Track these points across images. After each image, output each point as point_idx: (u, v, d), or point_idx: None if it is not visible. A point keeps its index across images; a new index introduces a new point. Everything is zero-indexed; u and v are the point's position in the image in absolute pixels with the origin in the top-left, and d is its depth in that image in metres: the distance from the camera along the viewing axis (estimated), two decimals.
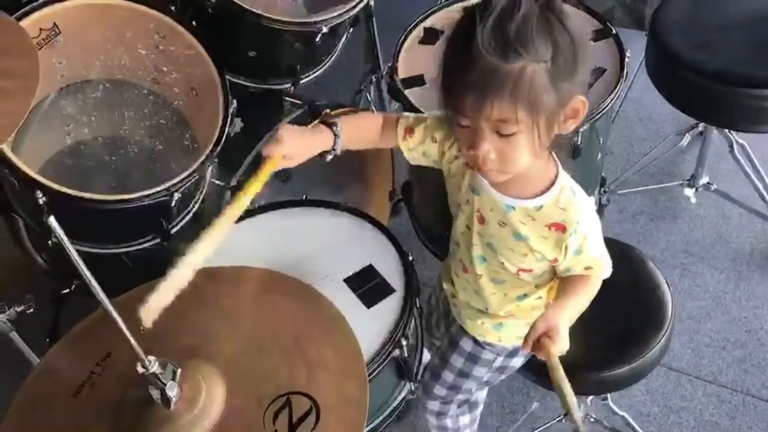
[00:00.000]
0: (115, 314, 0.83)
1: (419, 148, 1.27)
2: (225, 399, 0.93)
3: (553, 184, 1.14)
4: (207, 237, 1.02)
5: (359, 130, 1.28)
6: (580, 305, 1.17)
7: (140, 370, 0.88)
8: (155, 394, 0.90)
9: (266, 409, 0.92)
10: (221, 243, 1.02)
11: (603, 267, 1.20)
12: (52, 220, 0.79)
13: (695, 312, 2.05)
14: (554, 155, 1.15)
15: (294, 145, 1.14)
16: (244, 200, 1.08)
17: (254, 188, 1.10)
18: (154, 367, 0.88)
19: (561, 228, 1.14)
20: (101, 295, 0.80)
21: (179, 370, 0.89)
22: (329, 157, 1.21)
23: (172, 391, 0.89)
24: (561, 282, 1.24)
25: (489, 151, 1.05)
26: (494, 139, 1.04)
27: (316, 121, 1.23)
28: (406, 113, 1.29)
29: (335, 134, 1.19)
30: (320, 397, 0.92)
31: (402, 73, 1.69)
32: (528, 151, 1.05)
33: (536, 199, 1.14)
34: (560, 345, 1.06)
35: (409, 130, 1.26)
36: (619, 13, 2.87)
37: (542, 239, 1.16)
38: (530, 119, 1.01)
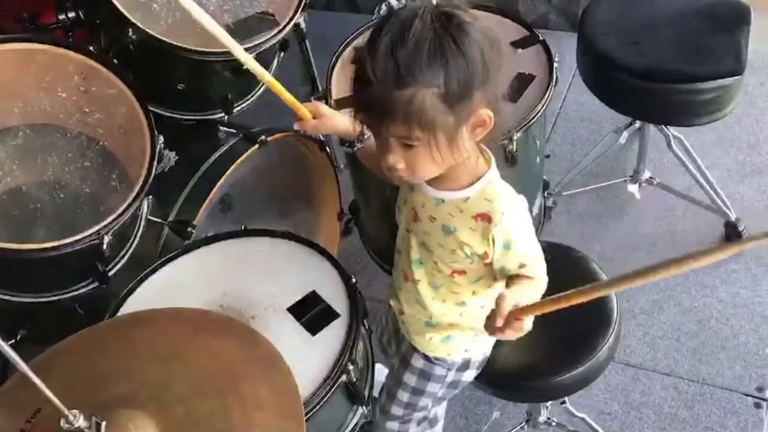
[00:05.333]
0: (31, 373, 0.81)
1: None
2: None
3: (481, 177, 1.16)
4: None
5: None
6: (530, 296, 1.15)
7: (64, 425, 0.85)
8: None
9: None
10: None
11: (538, 265, 1.20)
12: None
13: (648, 306, 2.08)
14: (491, 154, 1.17)
15: (327, 110, 1.29)
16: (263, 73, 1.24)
17: (276, 87, 1.26)
18: (79, 422, 0.86)
19: (486, 218, 1.15)
20: (11, 354, 0.78)
21: (104, 423, 0.87)
22: (355, 148, 1.34)
23: None
24: (506, 284, 1.23)
25: (396, 161, 1.09)
26: (399, 150, 1.07)
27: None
28: None
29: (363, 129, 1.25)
30: None
31: (336, 93, 1.70)
32: (431, 161, 1.08)
33: (463, 191, 1.16)
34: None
35: None
36: (554, 17, 2.91)
37: (470, 231, 1.17)
38: (427, 136, 1.03)
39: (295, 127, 1.30)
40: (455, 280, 1.25)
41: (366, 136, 1.29)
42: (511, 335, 1.08)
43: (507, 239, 1.16)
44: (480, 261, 1.20)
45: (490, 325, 1.08)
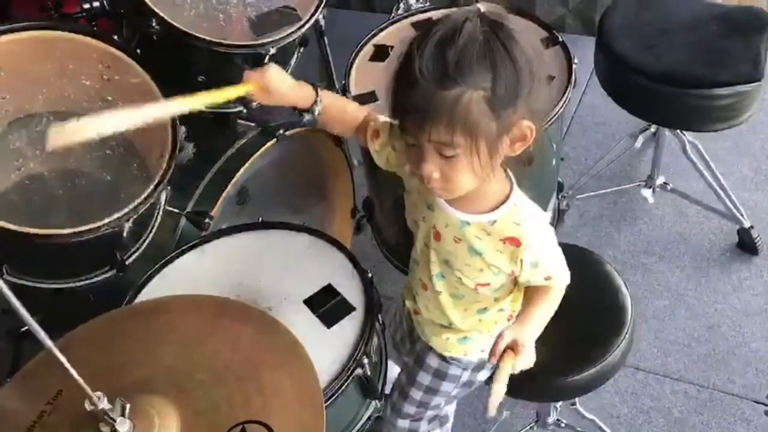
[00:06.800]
0: (57, 352, 0.82)
1: (383, 152, 1.27)
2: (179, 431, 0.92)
3: (507, 199, 1.15)
4: (139, 110, 1.02)
5: (340, 109, 1.29)
6: (544, 317, 1.20)
7: (88, 407, 0.86)
8: (106, 430, 0.88)
9: None
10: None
11: (562, 277, 1.22)
12: None
13: (659, 311, 2.08)
14: (509, 172, 1.16)
15: (277, 80, 1.17)
16: (194, 101, 1.10)
17: (213, 98, 1.12)
18: (103, 404, 0.87)
19: (515, 242, 1.14)
20: (40, 332, 0.79)
21: (128, 405, 0.88)
22: (306, 117, 1.26)
23: (123, 427, 0.88)
24: (525, 293, 1.27)
25: (432, 171, 1.05)
26: (436, 160, 1.04)
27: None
28: (379, 115, 1.28)
29: (317, 94, 1.21)
30: (276, 424, 0.91)
31: (354, 90, 1.70)
32: (470, 172, 1.05)
33: (491, 213, 1.15)
34: (526, 359, 1.10)
35: (376, 133, 1.27)
36: (571, 20, 2.91)
37: (497, 253, 1.17)
38: (469, 144, 1.01)
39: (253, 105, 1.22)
40: (479, 291, 1.25)
41: (319, 101, 1.22)
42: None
43: (535, 259, 1.16)
44: (506, 277, 1.20)
45: (491, 358, 1.12)
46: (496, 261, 1.17)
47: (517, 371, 1.11)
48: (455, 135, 1.00)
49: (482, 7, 1.01)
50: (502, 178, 1.15)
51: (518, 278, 1.20)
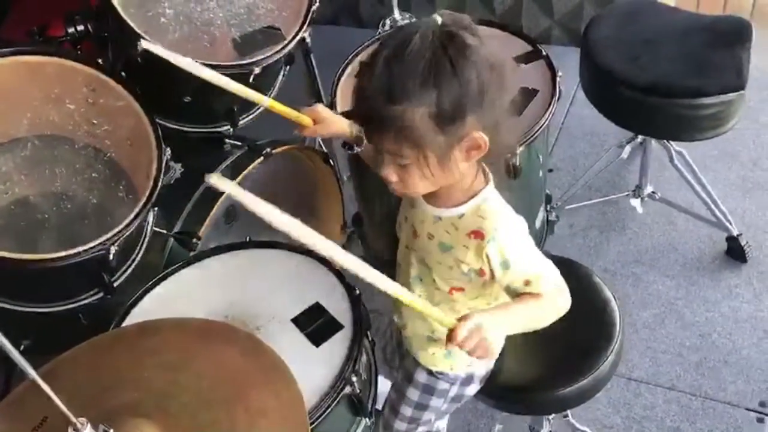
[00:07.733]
0: (39, 380, 0.82)
1: None
2: None
3: (478, 194, 1.16)
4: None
5: None
6: (521, 316, 1.16)
7: None
8: None
9: None
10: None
11: (546, 280, 1.17)
12: None
13: (650, 320, 2.08)
14: (487, 171, 1.17)
15: (327, 111, 1.38)
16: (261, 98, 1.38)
17: (276, 107, 1.38)
18: (86, 429, 0.86)
19: (479, 235, 1.15)
20: (21, 361, 0.79)
21: (111, 431, 0.87)
22: (357, 150, 1.40)
23: None
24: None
25: (389, 175, 1.10)
26: (392, 166, 1.09)
27: None
28: None
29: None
30: None
31: (341, 106, 1.71)
32: (424, 179, 1.09)
33: (459, 207, 1.17)
34: (479, 338, 1.07)
35: None
36: (557, 32, 2.94)
37: (464, 248, 1.17)
38: (417, 155, 1.05)
39: (296, 132, 1.38)
40: (453, 298, 1.25)
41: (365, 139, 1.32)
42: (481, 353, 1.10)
43: (504, 258, 1.14)
44: (478, 277, 1.20)
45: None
46: (464, 257, 1.17)
47: (473, 354, 1.10)
48: (402, 147, 1.04)
49: (439, 18, 1.02)
50: (475, 174, 1.16)
51: (496, 281, 1.18)
